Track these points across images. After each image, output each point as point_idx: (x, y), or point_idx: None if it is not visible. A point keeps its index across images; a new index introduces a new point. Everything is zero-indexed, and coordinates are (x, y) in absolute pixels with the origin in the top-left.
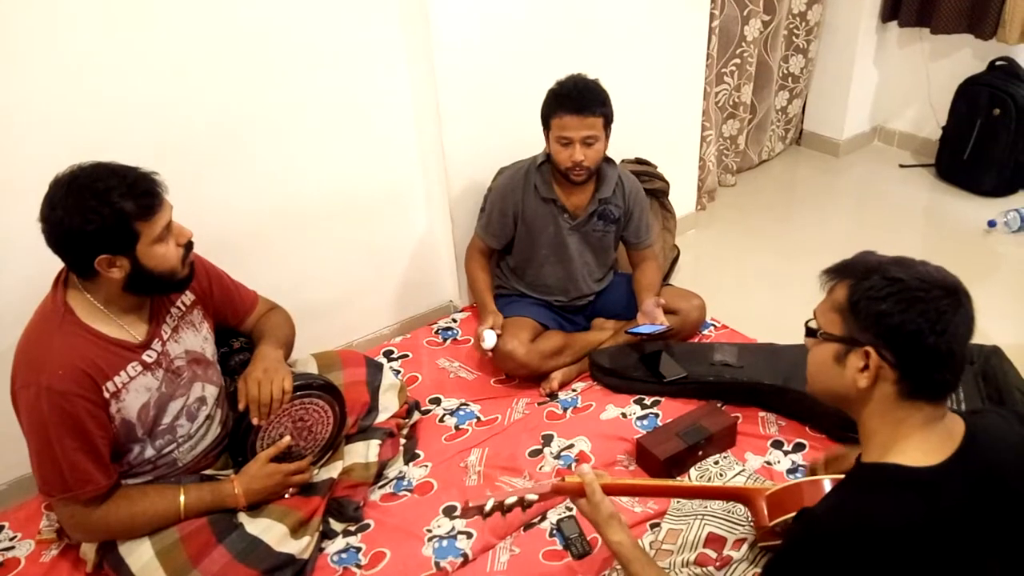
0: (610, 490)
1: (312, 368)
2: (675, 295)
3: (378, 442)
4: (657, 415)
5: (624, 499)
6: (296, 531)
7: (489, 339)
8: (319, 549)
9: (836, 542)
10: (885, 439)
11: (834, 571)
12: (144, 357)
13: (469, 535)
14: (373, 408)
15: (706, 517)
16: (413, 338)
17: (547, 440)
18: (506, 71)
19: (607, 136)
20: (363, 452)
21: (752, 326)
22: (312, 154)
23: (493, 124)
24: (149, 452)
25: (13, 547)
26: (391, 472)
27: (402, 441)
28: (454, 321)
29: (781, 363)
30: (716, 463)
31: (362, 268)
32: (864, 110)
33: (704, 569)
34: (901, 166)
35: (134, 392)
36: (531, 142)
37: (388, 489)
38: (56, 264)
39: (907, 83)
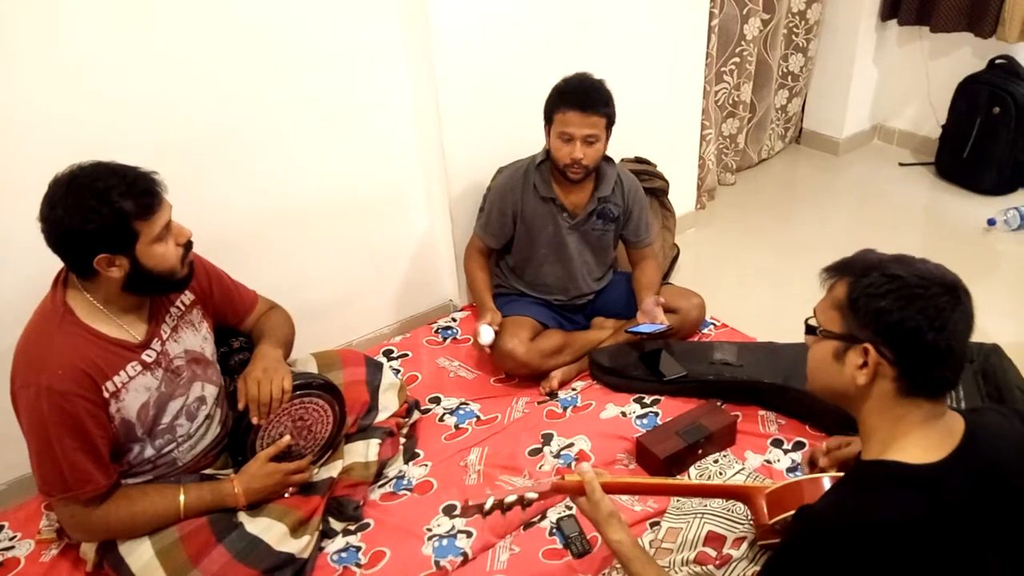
0: (610, 489)
1: (312, 367)
2: (675, 294)
3: (378, 441)
4: (657, 414)
5: (624, 498)
6: (296, 530)
7: (486, 334)
8: (319, 548)
9: (836, 539)
10: (885, 436)
11: (834, 568)
12: (143, 357)
13: (469, 534)
14: (373, 407)
15: (706, 515)
16: (413, 337)
17: (547, 439)
18: (506, 71)
19: (608, 137)
20: (363, 451)
21: (752, 325)
22: (312, 154)
23: (493, 124)
24: (149, 452)
25: (13, 547)
26: (391, 471)
27: (402, 440)
28: (454, 320)
29: (781, 362)
30: (716, 462)
31: (362, 268)
32: (864, 109)
33: (704, 567)
34: (901, 164)
35: (134, 392)
36: (531, 142)
37: (388, 488)
38: (56, 264)
39: (907, 82)
